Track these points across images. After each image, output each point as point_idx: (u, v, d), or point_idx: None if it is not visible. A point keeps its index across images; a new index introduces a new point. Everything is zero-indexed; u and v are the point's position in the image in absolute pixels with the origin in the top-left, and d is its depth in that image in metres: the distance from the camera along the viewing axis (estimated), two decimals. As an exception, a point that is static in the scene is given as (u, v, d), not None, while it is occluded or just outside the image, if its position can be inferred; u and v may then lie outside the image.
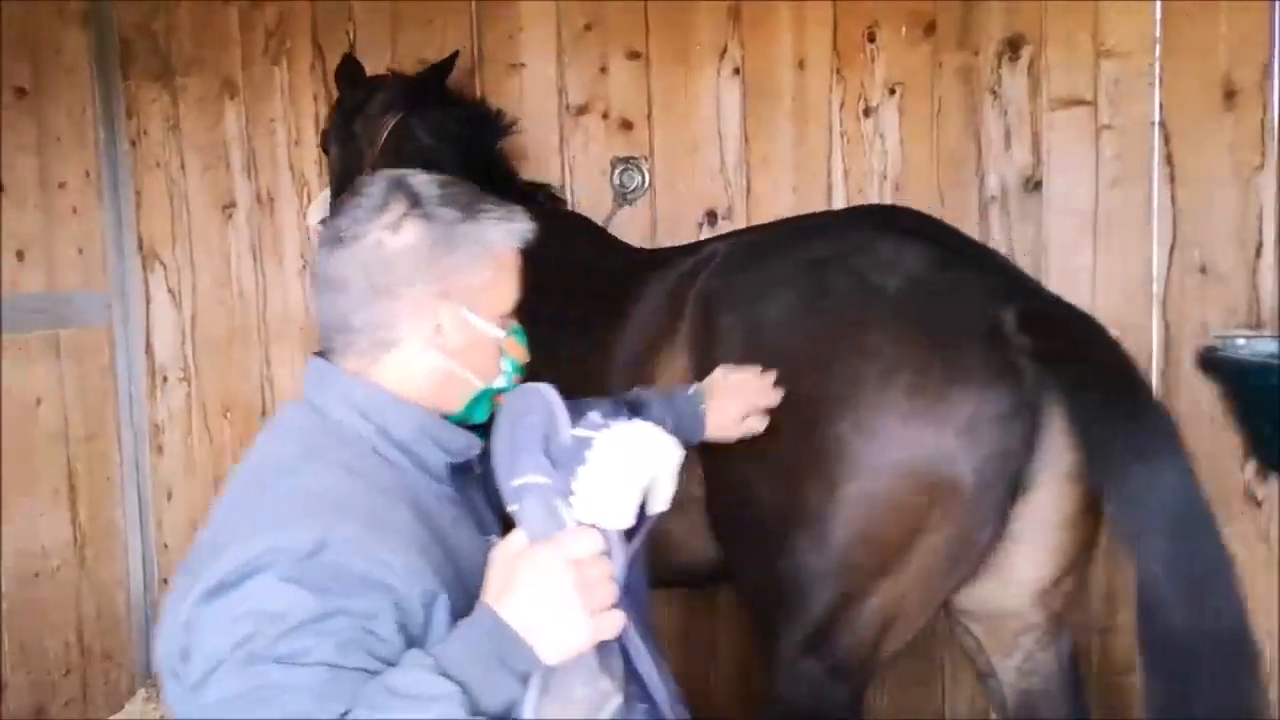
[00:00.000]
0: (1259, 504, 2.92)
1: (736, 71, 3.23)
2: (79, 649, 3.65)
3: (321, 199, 3.29)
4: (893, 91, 3.13)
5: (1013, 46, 3.04)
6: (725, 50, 3.23)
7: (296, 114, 3.61)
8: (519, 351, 1.54)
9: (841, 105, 3.17)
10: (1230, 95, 2.88)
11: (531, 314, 2.63)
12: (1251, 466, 2.90)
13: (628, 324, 2.24)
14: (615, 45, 3.32)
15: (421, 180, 1.42)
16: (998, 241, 3.06)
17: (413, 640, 1.23)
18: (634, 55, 3.31)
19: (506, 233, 1.46)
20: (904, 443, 1.79)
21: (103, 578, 3.70)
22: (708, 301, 2.05)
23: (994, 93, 3.06)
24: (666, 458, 1.29)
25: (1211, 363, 2.87)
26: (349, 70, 3.16)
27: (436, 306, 1.39)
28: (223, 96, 3.68)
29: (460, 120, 3.03)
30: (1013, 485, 1.82)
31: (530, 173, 3.27)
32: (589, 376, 2.25)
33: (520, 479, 1.25)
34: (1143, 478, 1.72)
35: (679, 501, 2.05)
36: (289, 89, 3.61)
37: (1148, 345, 2.97)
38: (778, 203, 3.16)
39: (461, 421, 1.49)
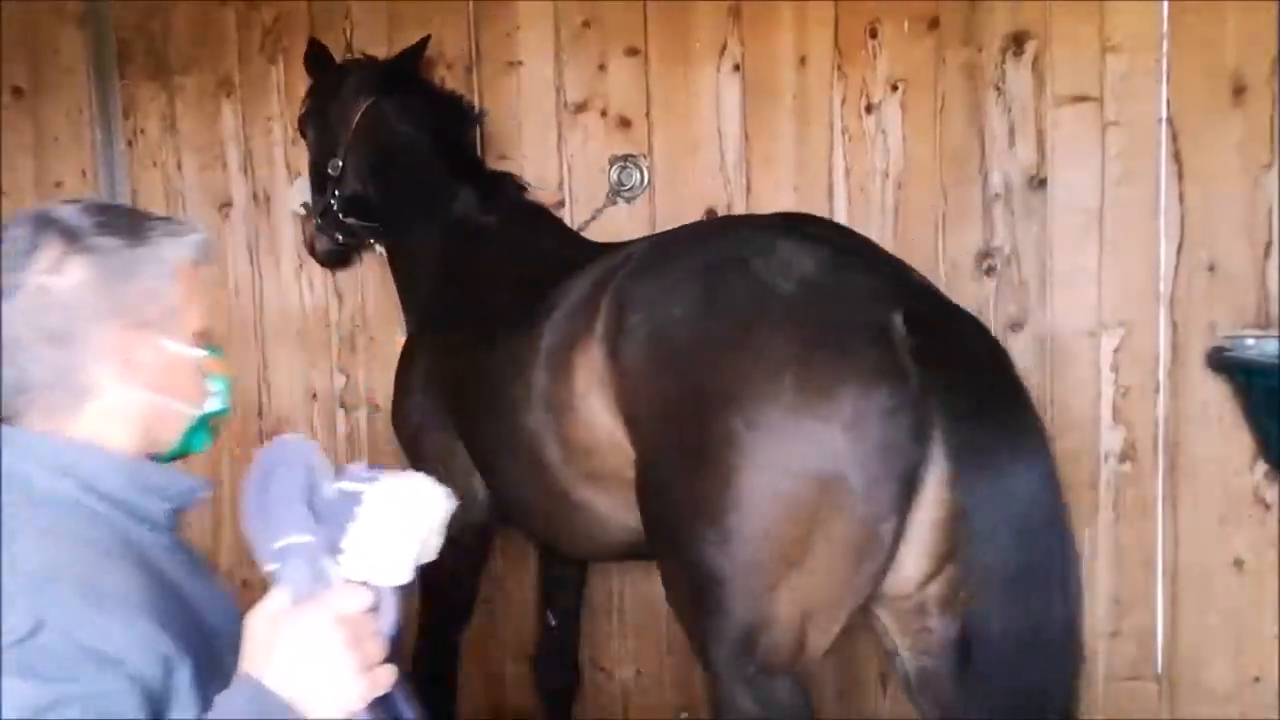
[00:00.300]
0: (1268, 507, 2.87)
1: (737, 68, 3.19)
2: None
3: (299, 183, 3.33)
4: (895, 88, 3.08)
5: (1017, 42, 2.99)
6: (725, 47, 3.19)
7: (293, 112, 3.57)
8: (222, 367, 1.46)
9: (843, 102, 3.12)
10: (1239, 91, 2.83)
11: (477, 298, 2.72)
12: (1261, 468, 2.84)
13: (551, 318, 2.33)
14: (614, 42, 3.28)
15: (70, 212, 1.30)
16: (1002, 240, 3.02)
17: (159, 713, 1.14)
18: (633, 52, 3.27)
19: (183, 246, 1.37)
20: (792, 437, 1.86)
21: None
22: (620, 300, 2.13)
23: (998, 89, 3.01)
24: (438, 510, 1.23)
25: (1220, 363, 2.82)
26: (316, 54, 3.24)
27: (124, 340, 1.30)
28: (219, 95, 3.65)
29: (431, 106, 3.09)
30: (908, 481, 1.87)
31: (528, 171, 3.24)
32: (520, 365, 2.38)
33: (283, 540, 1.16)
34: (995, 480, 1.82)
35: (608, 480, 2.19)
36: (285, 87, 3.58)
37: (1155, 345, 2.93)
38: (779, 201, 3.12)
39: (183, 454, 1.43)
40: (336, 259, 3.44)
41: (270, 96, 3.61)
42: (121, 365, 1.30)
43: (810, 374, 1.85)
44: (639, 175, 3.29)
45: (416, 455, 2.92)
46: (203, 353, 1.40)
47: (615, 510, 2.29)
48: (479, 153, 3.25)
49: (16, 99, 3.46)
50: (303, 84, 3.54)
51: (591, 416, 2.19)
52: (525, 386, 2.37)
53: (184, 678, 1.17)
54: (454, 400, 2.78)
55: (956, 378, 1.87)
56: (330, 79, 3.19)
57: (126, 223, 1.34)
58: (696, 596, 2.01)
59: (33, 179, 3.52)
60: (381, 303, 3.56)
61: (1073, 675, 1.92)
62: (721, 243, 2.15)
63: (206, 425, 1.44)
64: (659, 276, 2.11)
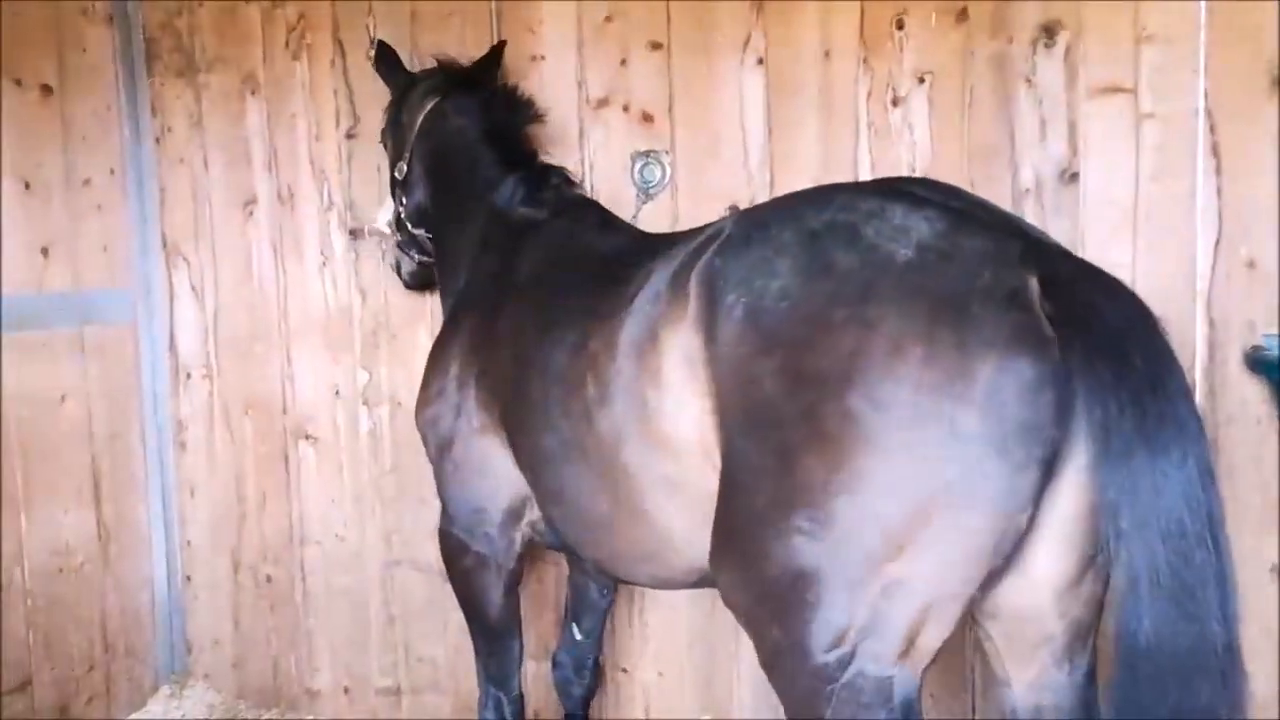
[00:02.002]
0: (1309, 512, 2.77)
1: (760, 62, 3.13)
2: (102, 645, 3.67)
3: (388, 203, 3.28)
4: (922, 81, 3.01)
5: (1048, 33, 2.90)
6: (748, 40, 3.14)
7: (317, 109, 3.59)
8: None
9: (869, 96, 3.06)
10: (1277, 82, 2.73)
11: (529, 293, 2.61)
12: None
13: (632, 306, 2.18)
14: (636, 37, 3.24)
15: None
16: (1032, 236, 2.93)
17: None
18: (655, 46, 3.23)
19: None
20: (921, 418, 1.66)
21: (126, 574, 3.72)
22: (711, 279, 1.96)
23: (1028, 81, 2.93)
24: None
25: (1259, 362, 2.73)
26: (384, 56, 3.24)
27: None
28: (245, 92, 3.67)
29: (487, 103, 3.07)
30: (1049, 465, 1.68)
31: (549, 167, 3.21)
32: (593, 359, 2.24)
33: None
34: (1145, 469, 1.61)
35: (686, 488, 2.06)
36: (310, 84, 3.59)
37: (1191, 344, 2.83)
38: (803, 197, 3.06)
39: None
40: (421, 281, 3.37)
41: (294, 94, 3.62)
42: None
43: (938, 347, 1.66)
44: (661, 171, 3.25)
45: (448, 461, 2.81)
46: None
47: (687, 527, 2.12)
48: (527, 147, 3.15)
49: (45, 96, 3.49)
50: (328, 81, 3.55)
51: (680, 411, 2.02)
52: (601, 382, 2.21)
53: None
54: (504, 402, 2.62)
55: (1101, 349, 1.64)
56: (405, 86, 3.22)
57: None
58: (779, 597, 1.80)
59: (62, 176, 3.54)
60: (404, 301, 3.55)
61: (1235, 708, 1.64)
62: (822, 210, 1.91)
63: None
64: (753, 249, 1.93)
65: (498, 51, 3.19)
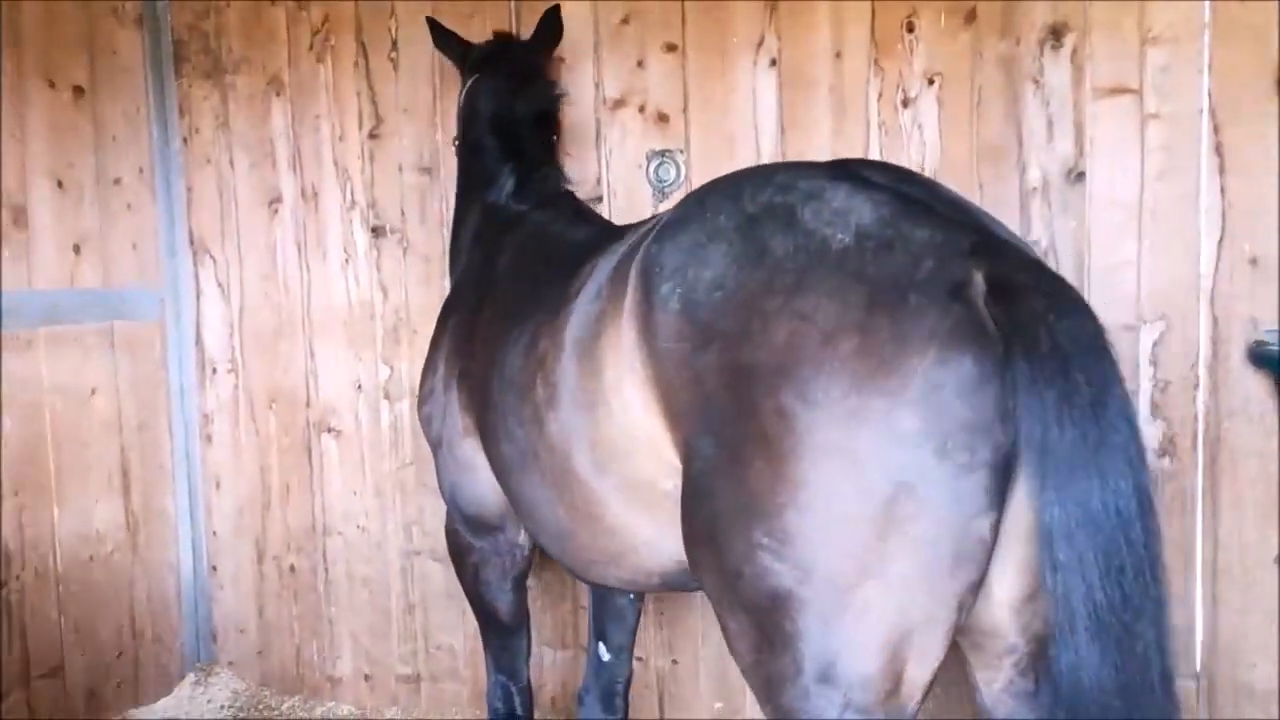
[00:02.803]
0: (1311, 505, 2.81)
1: (773, 63, 3.20)
2: (131, 632, 3.76)
3: None
4: (931, 82, 3.07)
5: (1055, 34, 2.96)
6: (762, 41, 3.21)
7: (340, 110, 3.67)
8: None
9: (880, 96, 3.12)
10: (1282, 82, 2.78)
11: (498, 288, 2.61)
12: (1305, 467, 2.79)
13: (576, 302, 2.11)
14: (652, 38, 3.31)
15: None
16: (1039, 234, 2.99)
17: None
18: (671, 48, 3.30)
19: None
20: (855, 416, 1.55)
21: (154, 563, 3.81)
22: (647, 270, 1.86)
23: (1036, 82, 2.98)
24: None
25: (1261, 357, 2.78)
26: (437, 32, 3.25)
27: None
28: (270, 94, 3.76)
29: (502, 88, 3.05)
30: (1000, 470, 1.58)
31: (567, 166, 3.26)
32: (543, 359, 2.17)
33: None
34: (1082, 498, 1.52)
35: (645, 492, 1.94)
36: (334, 86, 3.68)
37: (1196, 340, 2.88)
38: (814, 195, 3.12)
39: None
40: None
41: (319, 95, 3.70)
42: None
43: (875, 340, 1.56)
44: (676, 170, 3.32)
45: (441, 460, 2.81)
46: None
47: (652, 531, 2.04)
48: (555, 137, 3.19)
49: (77, 98, 3.58)
50: (351, 83, 3.64)
51: (626, 412, 1.93)
52: (550, 383, 2.12)
53: None
54: (476, 403, 2.56)
55: (1046, 360, 1.54)
56: (461, 59, 3.22)
57: None
58: (758, 624, 1.69)
59: (93, 175, 3.64)
60: (424, 297, 3.63)
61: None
62: (760, 191, 1.80)
63: None
64: (689, 235, 1.83)
65: (551, 19, 3.16)
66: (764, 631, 1.68)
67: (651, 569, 2.15)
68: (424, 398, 2.86)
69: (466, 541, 2.81)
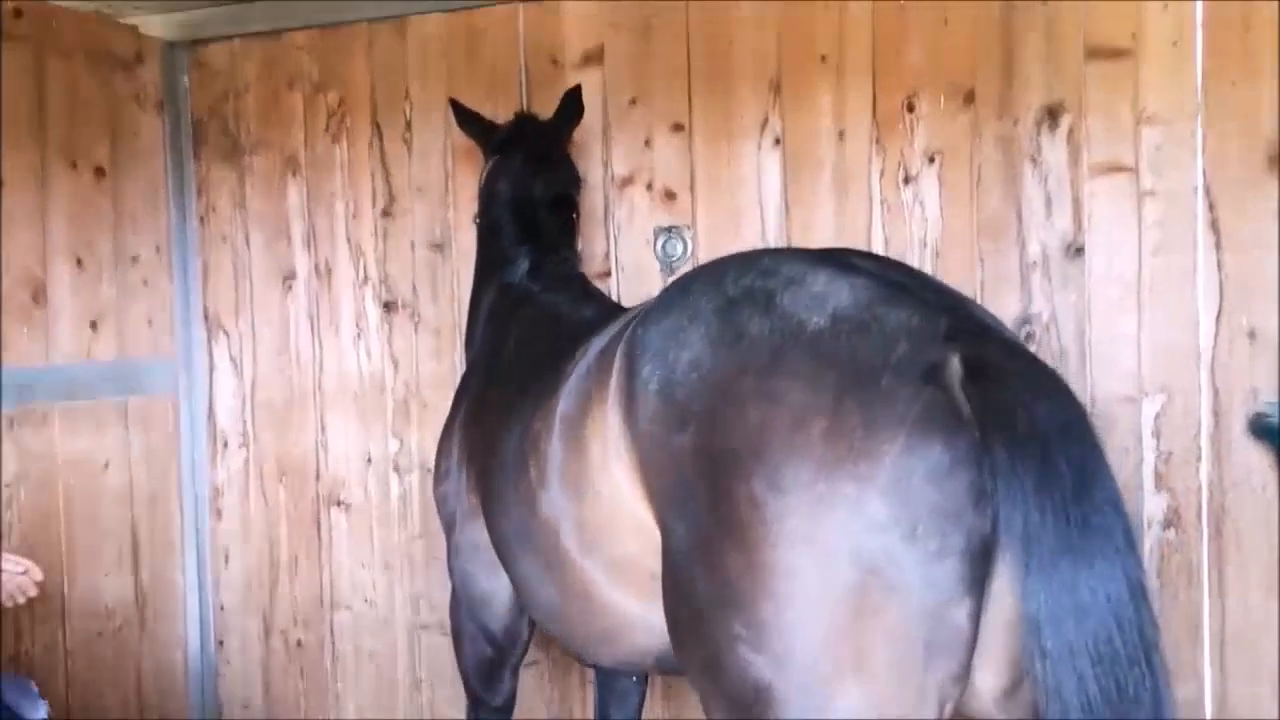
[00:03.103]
0: (1316, 576, 2.82)
1: (777, 142, 3.29)
2: (138, 707, 3.74)
3: None
4: (932, 160, 3.16)
5: (1052, 115, 3.05)
6: (766, 122, 3.30)
7: (355, 189, 3.76)
8: None
9: (882, 174, 3.20)
10: (1274, 161, 2.85)
11: (512, 369, 2.62)
12: (1308, 539, 2.81)
13: (568, 383, 2.13)
14: (660, 119, 3.41)
15: None
16: (1040, 307, 3.05)
17: None
18: (678, 128, 3.39)
19: None
20: (824, 502, 1.52)
21: (161, 638, 3.80)
22: (631, 351, 1.87)
23: (1034, 160, 3.07)
24: None
25: (1262, 429, 2.81)
26: (460, 113, 3.26)
27: None
28: (286, 173, 3.85)
29: (521, 170, 3.06)
30: (976, 557, 1.53)
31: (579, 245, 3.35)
32: (535, 439, 2.18)
33: None
34: (1069, 585, 1.47)
35: (633, 573, 1.94)
36: (348, 165, 3.77)
37: (1196, 412, 2.92)
38: (818, 271, 3.18)
39: None
40: None
41: (334, 174, 3.79)
42: None
43: (843, 423, 1.53)
44: (683, 246, 3.39)
45: (452, 544, 2.82)
46: None
47: (640, 611, 2.02)
48: (575, 217, 3.18)
49: (98, 179, 3.67)
50: (365, 163, 3.73)
51: (613, 493, 1.93)
52: (540, 465, 2.13)
53: None
54: (482, 483, 2.58)
55: (1024, 444, 1.50)
56: (484, 138, 3.22)
57: None
58: (740, 717, 1.63)
59: (112, 253, 3.71)
60: (434, 371, 3.68)
61: None
62: (743, 275, 1.80)
63: None
64: (671, 317, 1.83)
65: (571, 99, 3.16)
66: (743, 716, 1.64)
67: (645, 649, 2.12)
68: (439, 478, 2.88)
69: (468, 625, 2.82)
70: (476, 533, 2.65)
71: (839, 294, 1.67)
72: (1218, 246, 2.91)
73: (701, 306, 1.79)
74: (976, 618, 1.56)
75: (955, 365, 1.56)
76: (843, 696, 1.54)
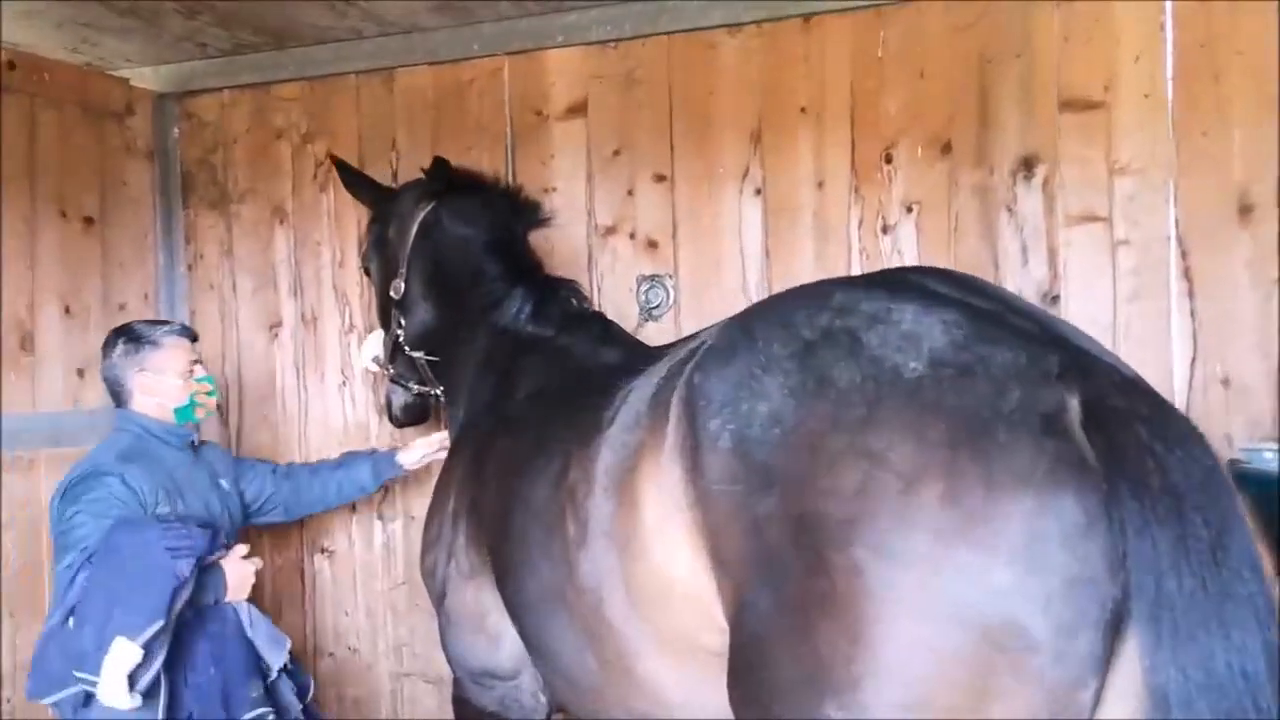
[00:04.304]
0: (1296, 622, 2.82)
1: (758, 192, 3.33)
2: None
3: (371, 339, 3.24)
4: (910, 209, 3.20)
5: (1027, 165, 3.10)
6: (747, 172, 3.34)
7: (341, 237, 3.80)
8: (192, 386, 3.03)
9: (860, 223, 3.24)
10: (1246, 210, 2.90)
11: (529, 414, 2.43)
12: (1286, 584, 2.81)
13: (608, 431, 1.95)
14: (642, 169, 3.46)
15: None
16: (1018, 355, 3.06)
17: (143, 511, 2.75)
18: (660, 178, 3.44)
19: (171, 334, 3.07)
20: (942, 573, 1.37)
21: (144, 687, 3.77)
22: (691, 401, 1.70)
23: (1010, 210, 3.11)
24: None
25: (1238, 477, 2.81)
26: (345, 172, 3.16)
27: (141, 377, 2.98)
28: (274, 222, 3.89)
29: (487, 208, 2.90)
30: (1109, 629, 1.36)
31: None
32: (571, 492, 2.00)
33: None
34: (1203, 659, 1.32)
35: (683, 647, 1.77)
36: (334, 214, 3.81)
37: (1174, 459, 2.93)
38: (799, 318, 3.21)
39: (183, 420, 3.03)
40: (413, 415, 3.18)
41: (320, 222, 3.84)
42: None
43: (961, 484, 1.37)
44: (665, 294, 3.42)
45: (443, 615, 2.56)
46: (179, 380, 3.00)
47: (691, 690, 1.85)
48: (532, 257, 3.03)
49: (87, 227, 3.71)
50: (351, 210, 3.77)
51: (668, 556, 1.74)
52: (579, 520, 1.94)
53: (164, 508, 2.78)
54: (492, 541, 2.33)
55: (1159, 501, 1.34)
56: (387, 201, 3.05)
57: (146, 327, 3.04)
58: None
59: (100, 300, 3.74)
60: (420, 417, 3.70)
61: None
62: (817, 314, 1.62)
63: (191, 408, 3.02)
64: (738, 364, 1.66)
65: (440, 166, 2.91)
66: None
67: None
68: (428, 544, 2.64)
69: (474, 710, 2.58)
70: (473, 596, 2.43)
71: (931, 332, 1.50)
72: (1190, 294, 2.94)
73: (774, 352, 1.62)
74: (1099, 697, 1.40)
75: (1075, 409, 1.41)
76: None
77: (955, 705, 1.38)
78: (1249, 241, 2.89)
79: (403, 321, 2.95)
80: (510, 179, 3.54)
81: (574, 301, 2.83)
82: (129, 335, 3.03)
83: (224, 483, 3.15)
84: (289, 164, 3.86)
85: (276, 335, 3.88)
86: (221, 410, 3.97)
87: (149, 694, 2.56)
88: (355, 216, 3.78)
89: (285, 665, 2.89)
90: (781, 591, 1.50)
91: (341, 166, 3.22)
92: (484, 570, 2.39)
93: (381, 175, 3.71)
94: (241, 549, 2.89)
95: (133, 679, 2.49)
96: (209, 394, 3.08)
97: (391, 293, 2.93)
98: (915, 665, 1.39)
